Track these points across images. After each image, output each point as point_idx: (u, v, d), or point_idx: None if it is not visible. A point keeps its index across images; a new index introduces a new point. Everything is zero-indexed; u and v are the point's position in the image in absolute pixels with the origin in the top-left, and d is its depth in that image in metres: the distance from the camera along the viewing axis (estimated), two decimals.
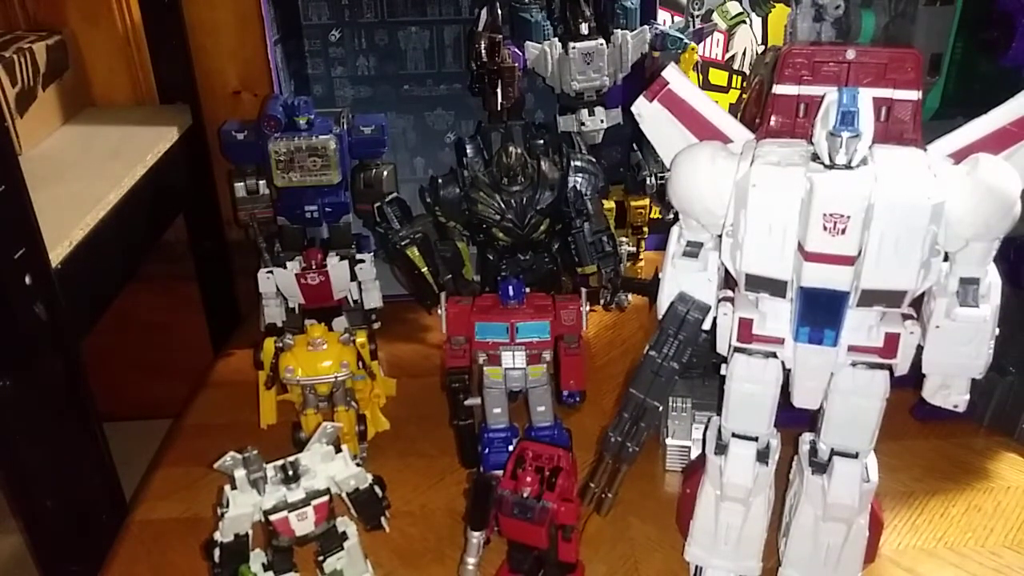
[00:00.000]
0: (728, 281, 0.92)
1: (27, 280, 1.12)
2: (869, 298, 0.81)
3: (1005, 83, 1.01)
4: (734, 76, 1.77)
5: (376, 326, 1.47)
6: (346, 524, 1.00)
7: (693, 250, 0.91)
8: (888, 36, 1.33)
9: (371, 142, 1.44)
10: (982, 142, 0.84)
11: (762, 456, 0.95)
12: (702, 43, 1.61)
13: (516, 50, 1.45)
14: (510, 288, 1.17)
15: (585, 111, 1.51)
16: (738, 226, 0.84)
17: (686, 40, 1.48)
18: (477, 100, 1.50)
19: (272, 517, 0.91)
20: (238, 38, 1.84)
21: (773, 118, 0.90)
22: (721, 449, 0.96)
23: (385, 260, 1.45)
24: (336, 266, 1.36)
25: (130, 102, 1.89)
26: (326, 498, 0.94)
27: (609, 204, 1.54)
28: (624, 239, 1.55)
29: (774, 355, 0.89)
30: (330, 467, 0.95)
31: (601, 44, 1.45)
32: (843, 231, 0.78)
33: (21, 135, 1.56)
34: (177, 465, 1.29)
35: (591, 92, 1.49)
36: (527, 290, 1.20)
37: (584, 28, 1.45)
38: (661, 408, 0.95)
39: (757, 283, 0.85)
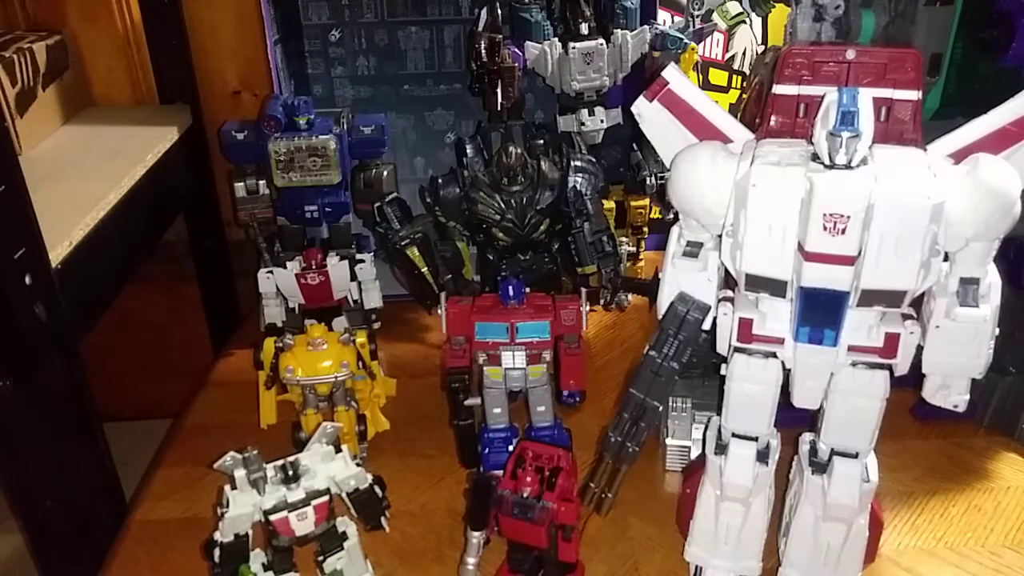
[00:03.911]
0: (728, 281, 0.92)
1: (27, 280, 1.12)
2: (869, 298, 0.81)
3: (1005, 83, 1.01)
4: (734, 76, 1.77)
5: (376, 326, 1.47)
6: (346, 524, 0.99)
7: (693, 250, 0.91)
8: (888, 36, 1.33)
9: (371, 142, 1.44)
10: (982, 142, 0.84)
11: (762, 456, 0.95)
12: (702, 43, 1.61)
13: (516, 50, 1.45)
14: (510, 288, 1.17)
15: (585, 111, 1.51)
16: (738, 226, 0.84)
17: (686, 40, 1.48)
18: (477, 100, 1.50)
19: (272, 517, 0.91)
20: (238, 38, 1.84)
21: (773, 118, 0.90)
22: (721, 449, 0.96)
23: (385, 260, 1.45)
24: (336, 266, 1.36)
25: (130, 102, 1.89)
26: (326, 498, 0.94)
27: (609, 204, 1.54)
28: (624, 239, 1.55)
29: (774, 355, 0.89)
30: (330, 467, 0.95)
31: (601, 44, 1.45)
32: (843, 231, 0.78)
33: (21, 135, 1.56)
34: (177, 465, 1.29)
35: (591, 92, 1.49)
36: (527, 290, 1.20)
37: (584, 28, 1.45)
38: (661, 408, 0.95)
39: (757, 283, 0.85)
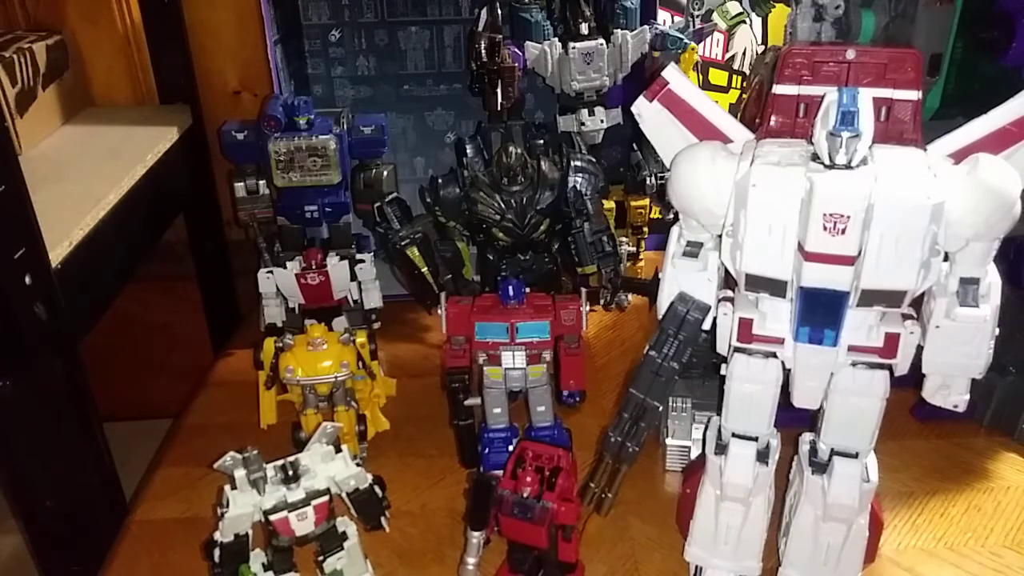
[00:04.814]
0: (728, 281, 0.92)
1: (27, 280, 1.12)
2: (869, 298, 0.81)
3: (1005, 83, 1.01)
4: (734, 76, 1.77)
5: (376, 326, 1.47)
6: (346, 524, 1.00)
7: (693, 250, 0.91)
8: (888, 36, 1.33)
9: (371, 142, 1.44)
10: (982, 142, 0.84)
11: (762, 456, 0.95)
12: (702, 43, 1.61)
13: (516, 50, 1.45)
14: (510, 288, 1.17)
15: (585, 111, 1.51)
16: (738, 226, 0.84)
17: (686, 40, 1.48)
18: (477, 100, 1.50)
19: (272, 517, 0.91)
20: (238, 38, 1.84)
21: (773, 118, 0.90)
22: (721, 449, 0.96)
23: (385, 260, 1.45)
24: (336, 266, 1.36)
25: (130, 102, 1.89)
26: (326, 498, 0.94)
27: (609, 204, 1.54)
28: (624, 239, 1.55)
29: (774, 355, 0.89)
30: (330, 467, 0.95)
31: (601, 44, 1.45)
32: (843, 231, 0.78)
33: (21, 135, 1.56)
34: (177, 465, 1.29)
35: (591, 92, 1.49)
36: (527, 290, 1.20)
37: (584, 28, 1.45)
38: (661, 408, 0.95)
39: (757, 283, 0.85)
